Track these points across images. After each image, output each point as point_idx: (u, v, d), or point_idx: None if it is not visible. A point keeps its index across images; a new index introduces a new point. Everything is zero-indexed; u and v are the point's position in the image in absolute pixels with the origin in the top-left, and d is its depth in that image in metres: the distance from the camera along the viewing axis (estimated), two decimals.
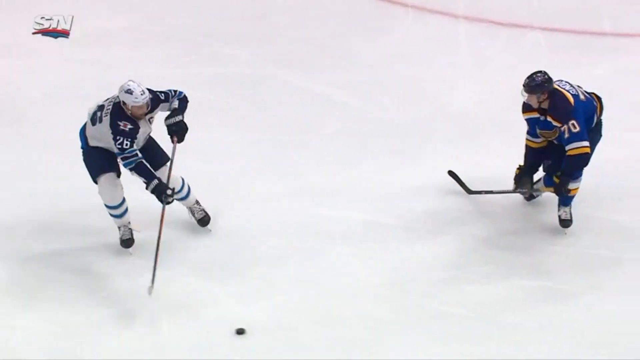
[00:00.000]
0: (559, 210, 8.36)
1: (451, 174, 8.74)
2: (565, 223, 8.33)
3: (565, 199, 8.28)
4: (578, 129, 7.92)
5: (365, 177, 9.06)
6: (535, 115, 8.07)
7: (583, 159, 8.01)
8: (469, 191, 8.64)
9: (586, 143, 7.95)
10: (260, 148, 9.48)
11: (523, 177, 8.33)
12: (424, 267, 8.07)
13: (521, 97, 8.07)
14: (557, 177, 8.15)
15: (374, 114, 10.00)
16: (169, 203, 7.94)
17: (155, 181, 7.87)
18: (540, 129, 8.12)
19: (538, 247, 8.25)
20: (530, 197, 8.60)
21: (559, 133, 8.01)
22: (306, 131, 9.75)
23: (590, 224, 8.43)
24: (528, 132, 8.23)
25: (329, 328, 7.55)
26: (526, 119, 8.14)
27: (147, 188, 7.90)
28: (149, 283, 7.74)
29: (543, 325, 7.53)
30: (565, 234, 8.33)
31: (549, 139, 8.17)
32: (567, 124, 7.93)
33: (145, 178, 7.87)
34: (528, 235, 8.37)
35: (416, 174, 9.03)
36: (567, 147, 7.97)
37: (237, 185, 8.93)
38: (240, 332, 7.39)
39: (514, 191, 8.42)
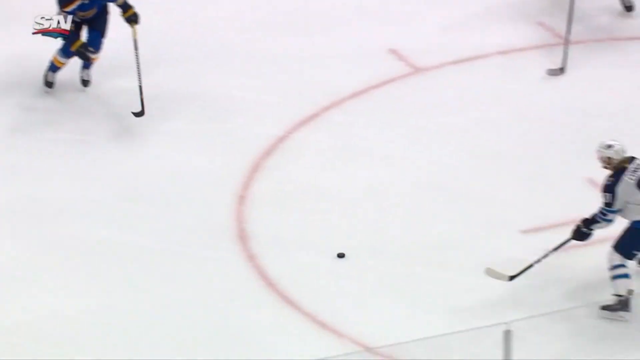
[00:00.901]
0: (81, 72, 9.54)
1: None
2: (85, 84, 9.56)
3: (80, 59, 9.40)
4: None
5: None
6: (79, 2, 9.06)
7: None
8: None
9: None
10: None
11: (81, 47, 9.23)
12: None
13: None
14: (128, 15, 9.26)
15: None
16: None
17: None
18: (83, 11, 9.15)
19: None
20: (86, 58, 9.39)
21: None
22: None
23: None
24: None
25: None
26: (69, 11, 9.06)
27: None
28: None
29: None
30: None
31: (87, 17, 9.25)
32: None
33: None
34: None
35: None
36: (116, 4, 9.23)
37: None
38: (340, 255, 8.09)
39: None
